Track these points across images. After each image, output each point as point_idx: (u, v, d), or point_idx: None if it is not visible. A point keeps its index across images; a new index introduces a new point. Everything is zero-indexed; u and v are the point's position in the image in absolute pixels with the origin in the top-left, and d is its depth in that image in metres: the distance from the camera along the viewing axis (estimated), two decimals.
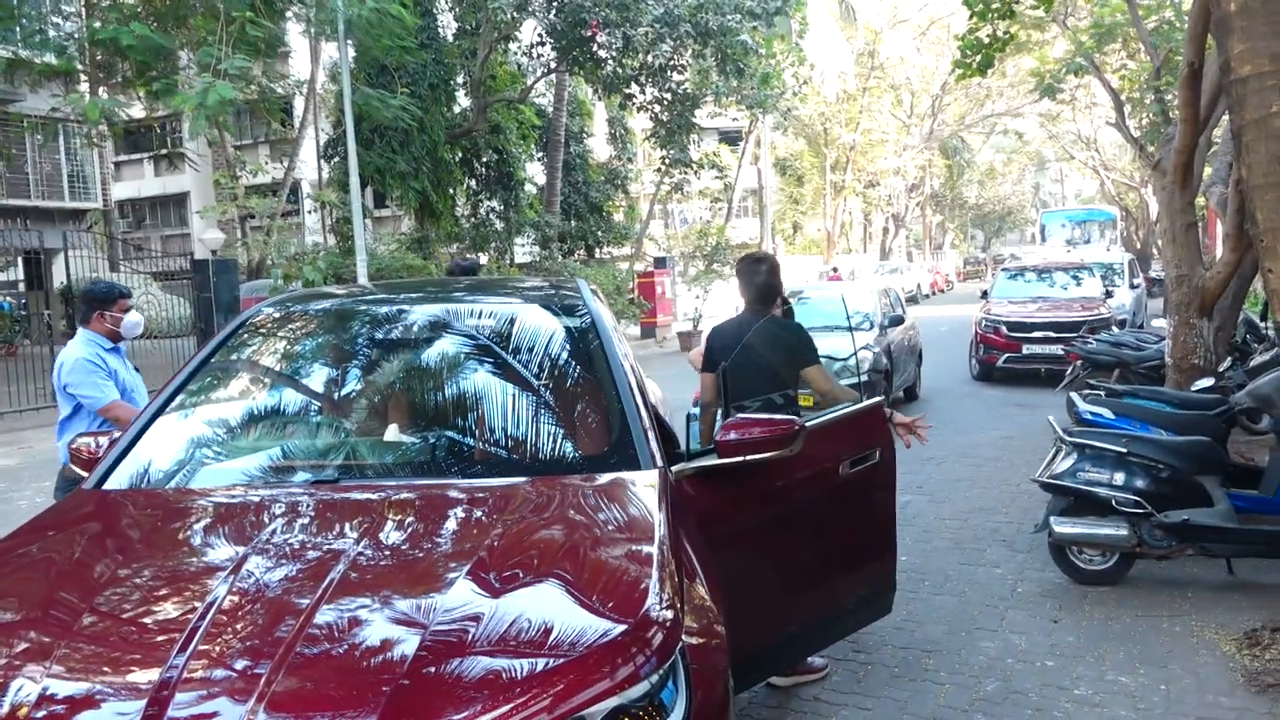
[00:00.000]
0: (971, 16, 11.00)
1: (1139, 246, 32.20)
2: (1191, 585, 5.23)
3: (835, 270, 30.69)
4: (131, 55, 12.73)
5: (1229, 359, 7.86)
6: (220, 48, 11.00)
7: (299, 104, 22.74)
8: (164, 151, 24.73)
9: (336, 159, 18.29)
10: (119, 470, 3.07)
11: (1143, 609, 4.94)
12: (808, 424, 3.25)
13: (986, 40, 11.14)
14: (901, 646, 4.59)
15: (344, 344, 3.77)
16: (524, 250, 23.97)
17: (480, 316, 3.83)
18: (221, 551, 2.57)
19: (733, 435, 3.06)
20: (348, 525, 2.71)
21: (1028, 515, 6.54)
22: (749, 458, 3.05)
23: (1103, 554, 5.31)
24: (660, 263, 23.85)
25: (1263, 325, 8.87)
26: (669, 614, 2.21)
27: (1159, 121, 15.85)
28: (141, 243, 30.86)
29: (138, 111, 19.41)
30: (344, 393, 3.61)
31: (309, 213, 24.41)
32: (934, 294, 39.62)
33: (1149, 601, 5.03)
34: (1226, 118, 5.97)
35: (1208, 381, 7.00)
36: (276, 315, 3.94)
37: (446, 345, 3.65)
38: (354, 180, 14.03)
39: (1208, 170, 10.39)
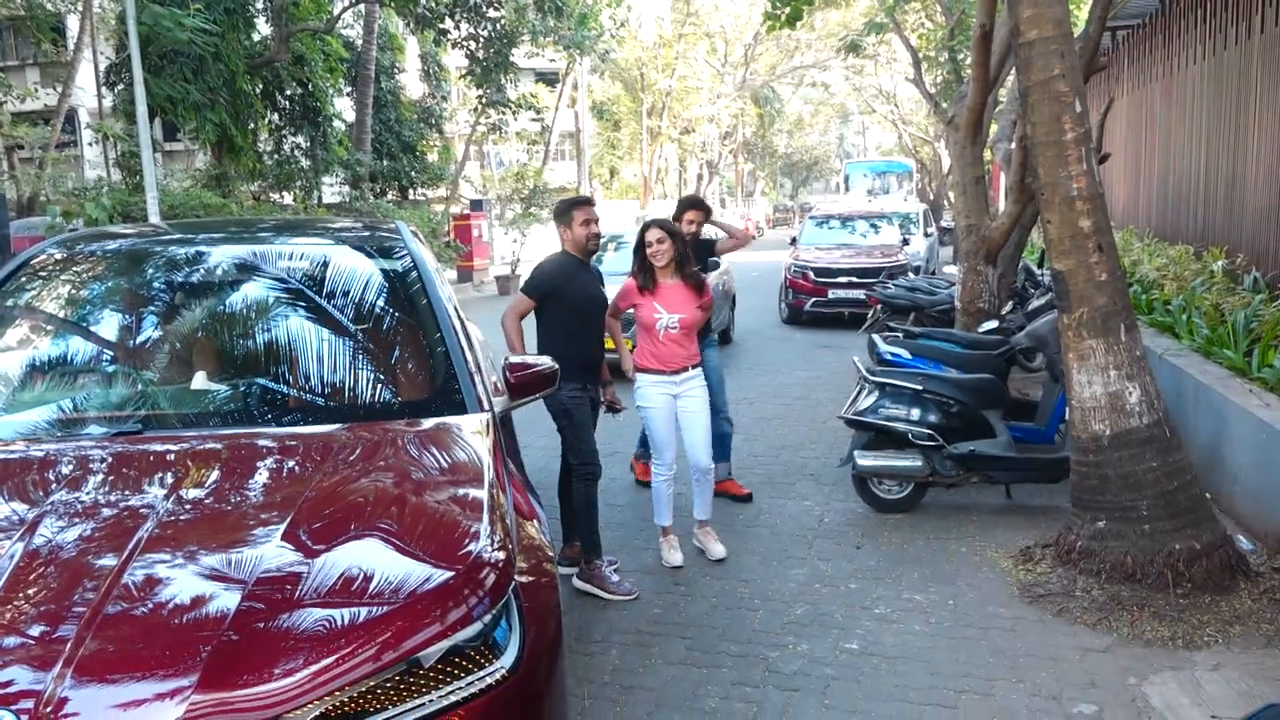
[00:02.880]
0: None
1: (932, 198, 34.20)
2: (976, 510, 5.72)
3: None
4: None
5: (1010, 303, 8.53)
6: None
7: (73, 23, 20.67)
8: None
9: (121, 86, 16.77)
10: None
11: (934, 533, 5.36)
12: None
13: None
14: (719, 578, 4.80)
15: (142, 287, 3.52)
16: (333, 190, 22.89)
17: (293, 259, 3.66)
18: (9, 511, 2.37)
19: (515, 378, 3.34)
20: (156, 478, 2.57)
21: (833, 450, 6.93)
22: (531, 397, 3.41)
23: (900, 484, 5.71)
24: (477, 205, 23.35)
25: (1039, 272, 9.66)
26: (501, 555, 2.23)
27: (952, 80, 16.84)
28: None
29: None
30: (144, 339, 3.38)
31: (89, 144, 22.32)
32: None
33: (940, 526, 5.47)
34: (1013, 78, 6.41)
35: (992, 324, 7.60)
36: (61, 256, 3.64)
37: (257, 289, 3.47)
38: (141, 110, 12.93)
39: (995, 126, 11.15)
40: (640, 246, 4.98)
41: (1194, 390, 5.72)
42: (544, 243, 20.88)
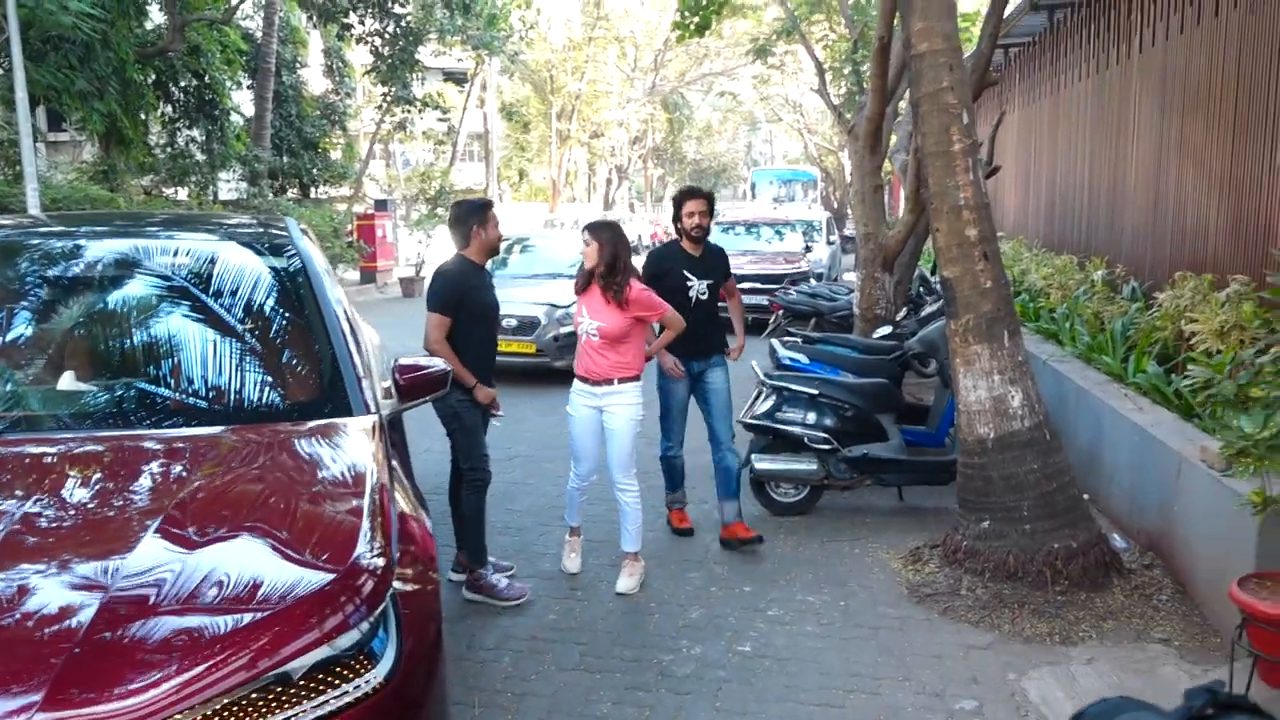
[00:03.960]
0: None
1: (836, 206, 34.94)
2: (869, 512, 5.83)
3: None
4: None
5: (905, 309, 8.76)
6: None
7: None
8: None
9: (0, 72, 15.95)
10: None
11: (828, 535, 5.45)
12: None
13: (704, 1, 11.53)
14: (616, 583, 4.78)
15: (10, 281, 3.34)
16: (230, 186, 22.17)
17: (173, 254, 3.52)
18: None
19: (404, 380, 3.26)
20: (12, 482, 2.43)
21: None
22: (421, 399, 3.34)
23: (796, 487, 5.79)
24: (381, 205, 22.89)
25: (933, 279, 9.93)
26: (380, 561, 2.18)
27: (855, 91, 17.24)
28: None
29: None
30: (8, 336, 3.20)
31: None
32: (654, 244, 41.01)
33: (834, 528, 5.56)
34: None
35: (886, 329, 7.79)
36: None
37: (133, 285, 3.33)
38: (20, 97, 12.28)
39: (895, 137, 11.43)
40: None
41: (1075, 395, 5.95)
42: (450, 245, 20.48)
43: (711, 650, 4.06)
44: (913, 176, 7.98)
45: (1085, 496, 4.83)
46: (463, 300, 4.55)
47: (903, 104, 11.28)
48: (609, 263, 4.59)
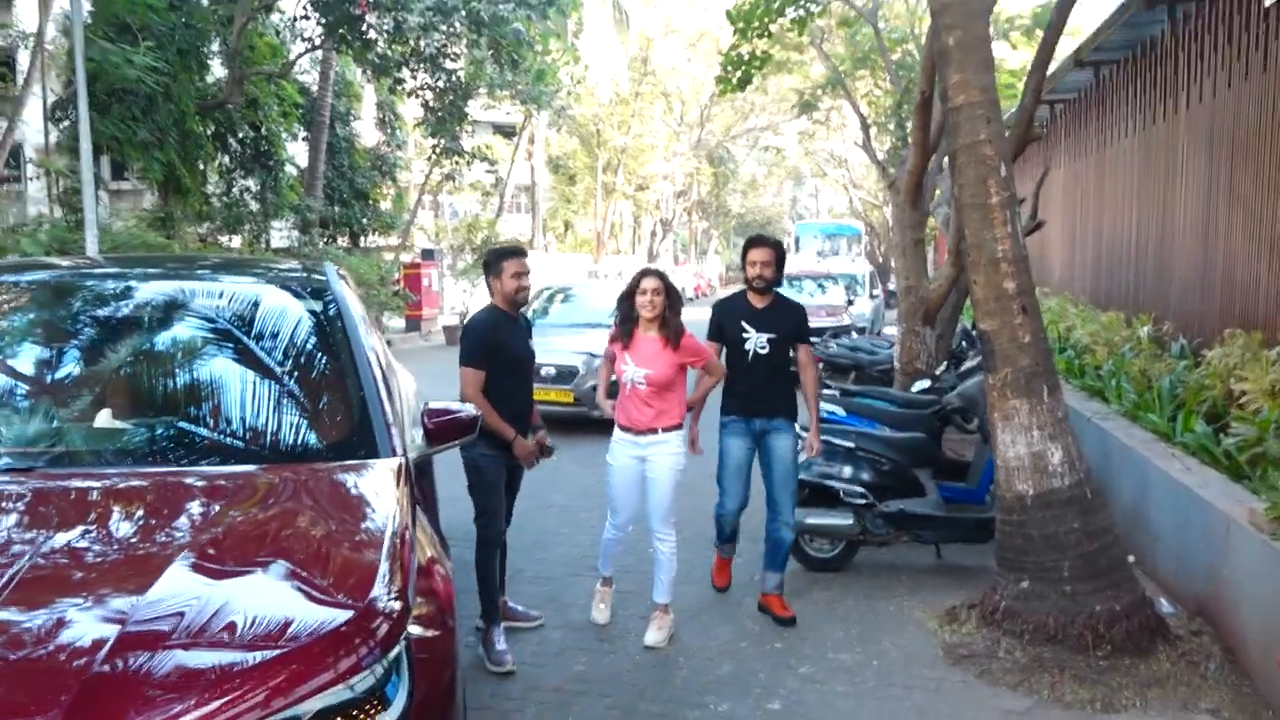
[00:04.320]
0: (735, 34, 11.53)
1: (881, 260, 34.81)
2: (905, 569, 5.71)
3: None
4: None
5: (945, 363, 8.65)
6: None
7: (23, 58, 20.40)
8: None
9: (67, 123, 16.55)
10: None
11: (863, 592, 5.34)
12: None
13: (747, 57, 11.69)
14: (644, 635, 4.71)
15: (57, 320, 3.43)
16: (282, 235, 22.70)
17: (214, 296, 3.59)
18: None
19: (433, 424, 3.27)
20: (42, 516, 2.48)
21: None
22: (449, 443, 3.33)
23: (831, 542, 5.69)
24: (428, 254, 23.32)
25: (975, 333, 9.82)
26: (396, 604, 2.17)
27: (900, 146, 17.26)
28: None
29: None
30: (50, 374, 3.28)
31: (31, 179, 21.97)
32: (698, 297, 41.12)
33: (869, 585, 5.45)
34: None
35: (925, 383, 7.69)
36: None
37: (172, 325, 3.40)
38: (85, 147, 12.73)
39: (938, 191, 11.41)
40: (628, 294, 4.69)
41: (1120, 453, 5.81)
42: None
43: (740, 708, 3.97)
44: (954, 230, 7.93)
45: (1130, 558, 4.69)
46: (493, 351, 4.51)
47: (946, 159, 11.31)
48: (676, 307, 4.68)
